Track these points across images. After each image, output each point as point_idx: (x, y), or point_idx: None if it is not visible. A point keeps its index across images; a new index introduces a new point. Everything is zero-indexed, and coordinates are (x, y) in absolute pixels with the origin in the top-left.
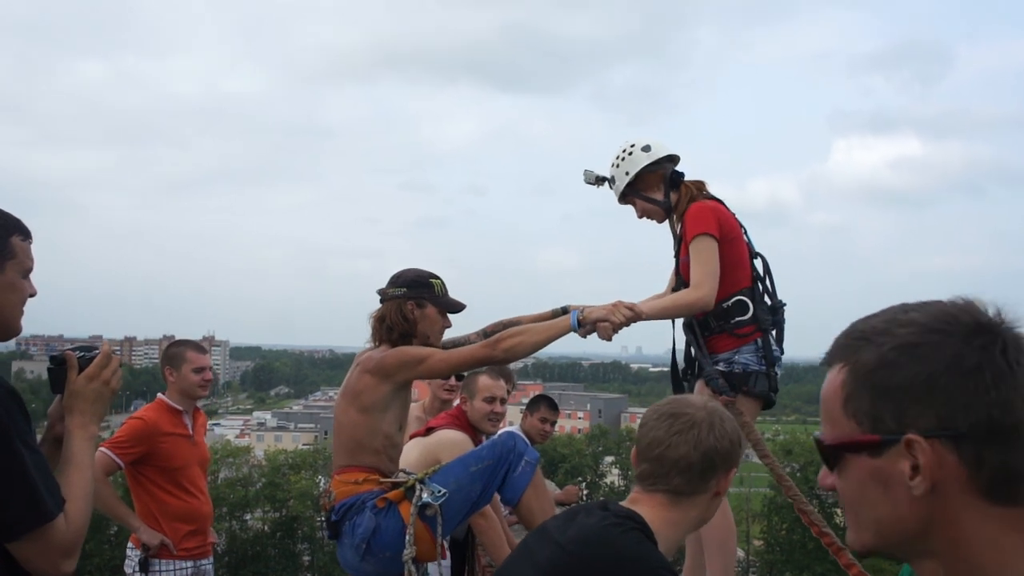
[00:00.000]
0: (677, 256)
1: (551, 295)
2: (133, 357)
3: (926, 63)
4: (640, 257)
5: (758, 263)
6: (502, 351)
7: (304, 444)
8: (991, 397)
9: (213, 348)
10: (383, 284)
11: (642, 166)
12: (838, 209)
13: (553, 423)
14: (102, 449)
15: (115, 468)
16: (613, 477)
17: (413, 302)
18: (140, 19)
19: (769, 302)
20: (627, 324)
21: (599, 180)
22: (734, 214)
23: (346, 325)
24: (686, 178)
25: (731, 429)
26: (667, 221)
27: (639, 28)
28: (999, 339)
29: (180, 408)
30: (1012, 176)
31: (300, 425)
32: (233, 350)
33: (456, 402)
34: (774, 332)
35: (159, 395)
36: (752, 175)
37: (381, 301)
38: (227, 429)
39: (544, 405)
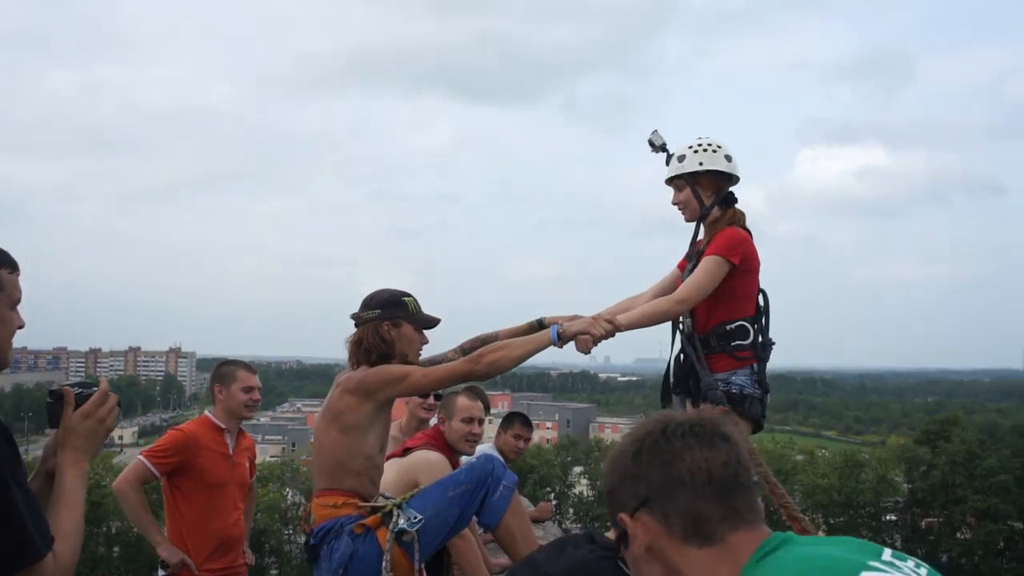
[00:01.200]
0: (693, 261)
1: (524, 303)
2: (98, 369)
3: (891, 74)
4: (611, 265)
5: (761, 299)
6: (485, 365)
7: (271, 456)
8: (651, 469)
9: (180, 359)
10: (354, 293)
11: (716, 168)
12: (805, 218)
13: (527, 440)
14: (140, 457)
15: (151, 477)
16: (582, 487)
17: (389, 322)
18: (113, 29)
19: (762, 338)
20: (607, 337)
21: (662, 148)
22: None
23: (314, 335)
24: (734, 204)
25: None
26: (694, 225)
27: (609, 38)
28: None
29: (223, 426)
30: (975, 186)
31: (268, 437)
32: (200, 361)
33: (433, 422)
34: (761, 365)
35: (205, 411)
36: None
37: (356, 325)
38: None
39: (518, 422)
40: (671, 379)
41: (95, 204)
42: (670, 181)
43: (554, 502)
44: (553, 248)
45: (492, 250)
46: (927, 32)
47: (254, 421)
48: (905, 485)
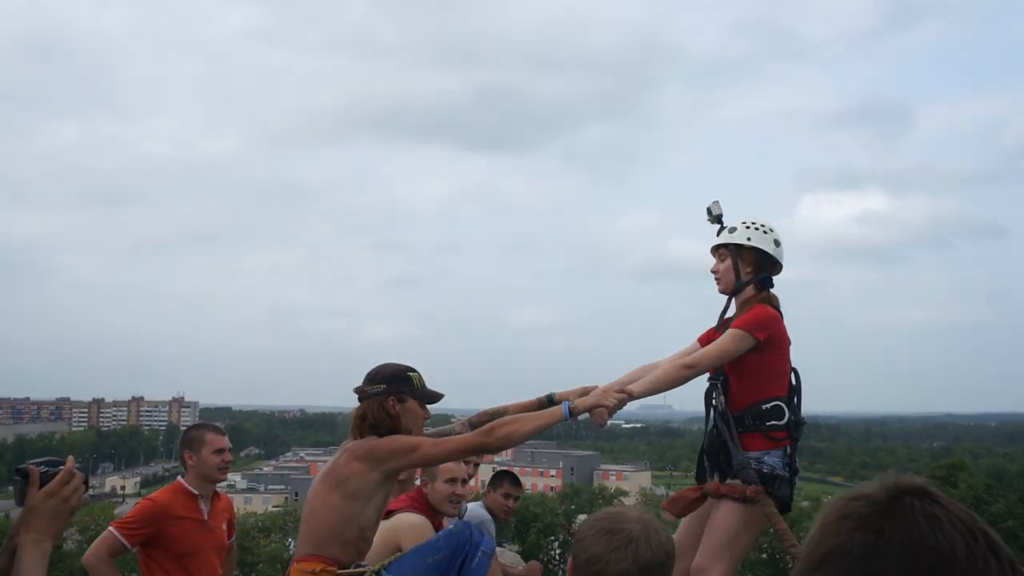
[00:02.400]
0: (720, 329)
1: (525, 351)
2: (101, 419)
3: (889, 121)
4: (612, 312)
5: (792, 377)
6: (496, 439)
7: (274, 506)
8: None
9: (183, 409)
10: (356, 343)
11: (761, 248)
12: (806, 264)
13: (516, 499)
14: (110, 529)
15: (121, 549)
16: None
17: (394, 398)
18: (116, 82)
19: (795, 417)
20: (620, 406)
21: (718, 219)
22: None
23: (317, 385)
24: (770, 288)
25: (665, 540)
26: (726, 297)
27: (608, 88)
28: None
29: (197, 492)
30: (975, 229)
31: (270, 487)
32: (203, 411)
33: (417, 483)
34: (795, 445)
35: (178, 478)
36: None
37: (360, 400)
38: None
39: (507, 481)
40: (705, 458)
41: (96, 255)
42: (715, 249)
43: (558, 550)
44: (554, 296)
45: (493, 299)
46: (921, 81)
47: (256, 471)
48: None
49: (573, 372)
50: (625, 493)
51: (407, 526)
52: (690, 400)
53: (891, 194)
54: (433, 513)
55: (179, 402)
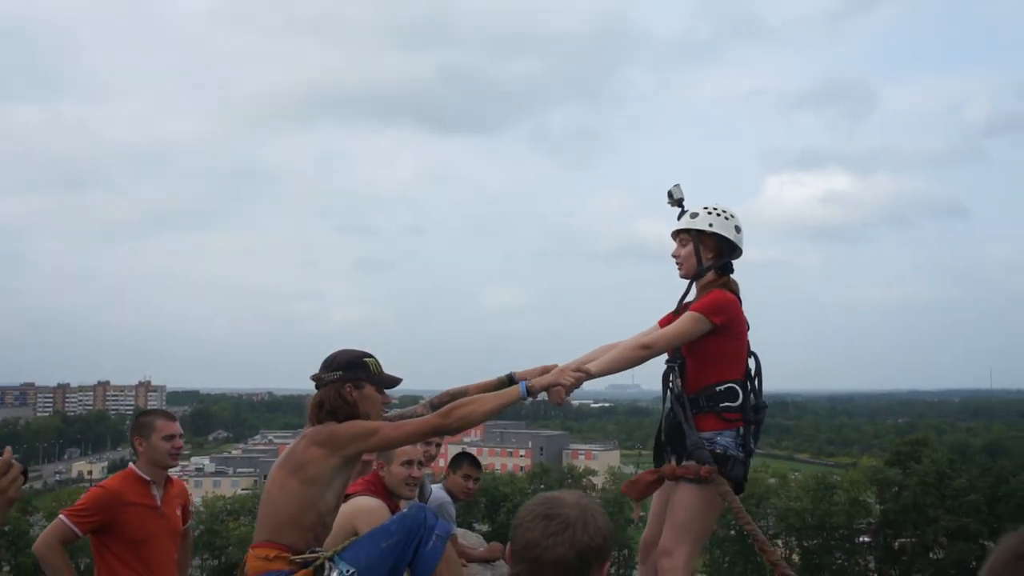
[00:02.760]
0: (679, 313)
1: (495, 333)
2: (67, 404)
3: (851, 101)
4: (582, 293)
5: (751, 362)
6: (455, 420)
7: (243, 489)
8: None
9: (149, 393)
10: (324, 326)
11: (722, 234)
12: (772, 244)
13: (476, 480)
14: (60, 517)
15: (72, 537)
16: None
17: (351, 384)
18: (77, 65)
19: (754, 400)
20: (578, 385)
21: (679, 203)
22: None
23: (285, 367)
24: (730, 274)
25: (603, 524)
26: (687, 281)
27: (574, 70)
28: None
29: (148, 478)
30: (938, 208)
31: (239, 470)
32: (170, 395)
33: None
34: (753, 428)
35: (130, 464)
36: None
37: (317, 387)
38: None
39: (467, 463)
40: (662, 437)
41: (60, 240)
42: (676, 234)
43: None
44: (523, 278)
45: (462, 281)
46: (883, 62)
47: (225, 454)
48: (877, 506)
49: (543, 353)
50: (594, 472)
51: (363, 510)
52: (659, 379)
53: (855, 174)
54: (389, 496)
55: (146, 386)
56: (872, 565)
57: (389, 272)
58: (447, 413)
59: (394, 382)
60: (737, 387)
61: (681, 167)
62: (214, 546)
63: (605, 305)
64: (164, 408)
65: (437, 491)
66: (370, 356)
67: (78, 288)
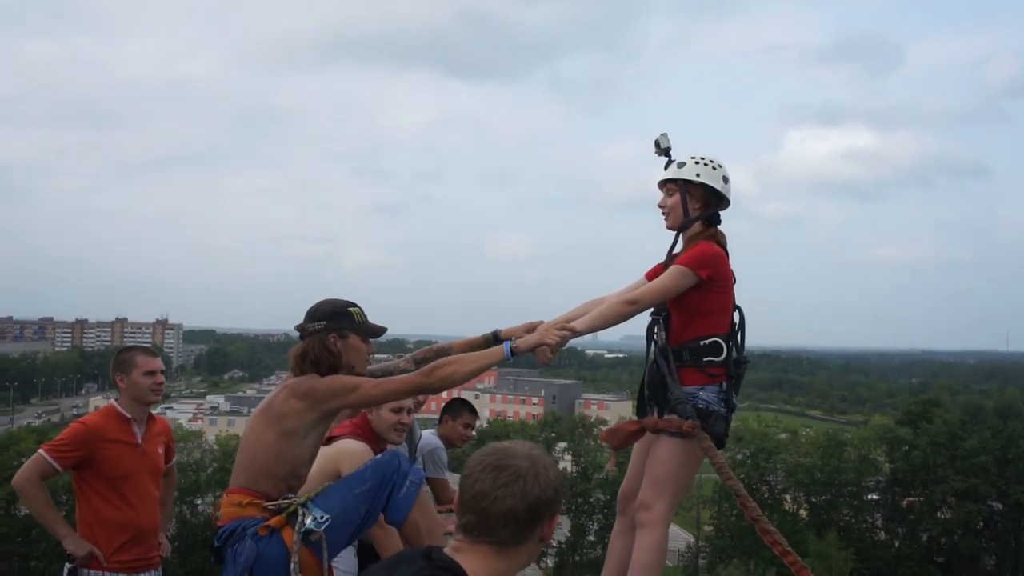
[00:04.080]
0: (666, 265)
1: (506, 281)
2: (84, 339)
3: (875, 57)
4: (593, 242)
5: (736, 316)
6: (437, 379)
7: None
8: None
9: (166, 331)
10: (338, 268)
11: (710, 184)
12: (792, 199)
13: (473, 427)
14: (40, 451)
15: (52, 472)
16: (566, 463)
17: (335, 334)
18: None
19: (736, 354)
20: (563, 344)
21: (666, 152)
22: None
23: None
24: (717, 225)
25: (554, 476)
26: (674, 233)
27: (593, 18)
28: None
29: (130, 415)
30: (959, 168)
31: (253, 409)
32: (187, 333)
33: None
34: (735, 382)
35: (111, 401)
36: None
37: (301, 337)
38: (180, 413)
39: (466, 411)
40: (646, 390)
41: (79, 176)
42: (663, 184)
43: None
44: (535, 226)
45: (474, 227)
46: (906, 17)
47: (240, 393)
48: (887, 465)
49: (551, 302)
50: (606, 422)
51: (348, 453)
52: None
53: (876, 131)
54: (376, 441)
55: (163, 324)
56: (879, 523)
57: (402, 217)
58: (429, 372)
59: (379, 331)
60: (721, 341)
61: (697, 118)
62: (226, 484)
63: (617, 256)
64: (146, 344)
65: (428, 436)
66: (355, 305)
67: (97, 225)
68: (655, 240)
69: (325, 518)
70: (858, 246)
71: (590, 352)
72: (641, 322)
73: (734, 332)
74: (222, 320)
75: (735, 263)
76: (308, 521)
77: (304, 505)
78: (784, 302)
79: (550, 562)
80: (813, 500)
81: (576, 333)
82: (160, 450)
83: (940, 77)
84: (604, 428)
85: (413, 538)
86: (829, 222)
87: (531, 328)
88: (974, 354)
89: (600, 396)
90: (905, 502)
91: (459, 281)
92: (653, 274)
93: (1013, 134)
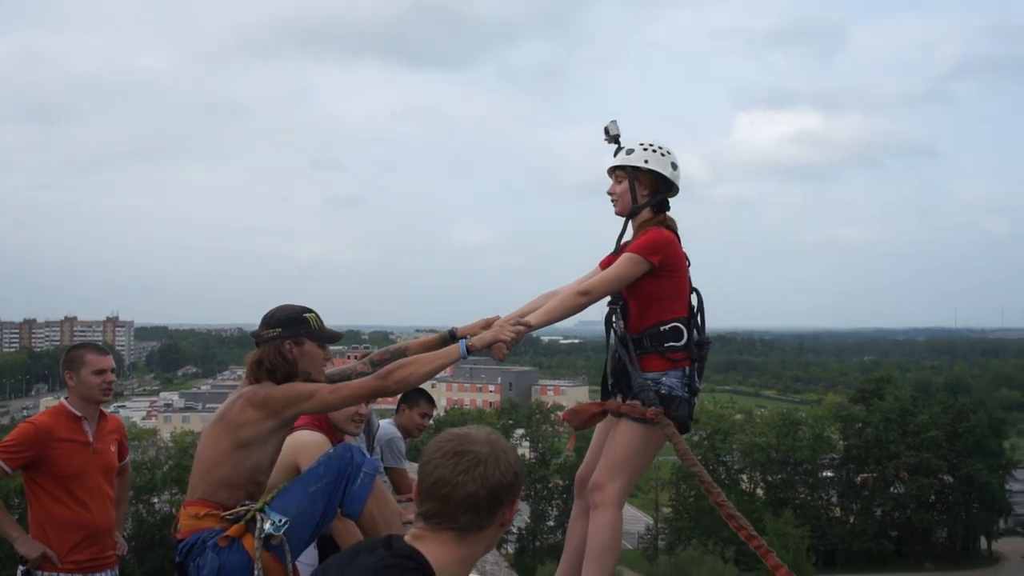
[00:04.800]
0: (617, 254)
1: (464, 271)
2: (33, 339)
3: (824, 40)
4: (552, 230)
5: (694, 298)
6: (393, 382)
7: None
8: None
9: (117, 329)
10: (294, 262)
11: (658, 171)
12: (743, 182)
13: (430, 416)
14: None
15: (1, 474)
16: (523, 450)
17: (291, 341)
18: None
19: (697, 336)
20: (518, 339)
21: (615, 139)
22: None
23: (254, 302)
24: (666, 211)
25: (514, 461)
26: (623, 220)
27: (545, 4)
28: None
29: (80, 413)
30: (908, 149)
31: (208, 405)
32: (138, 330)
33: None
34: (697, 365)
35: (61, 400)
36: None
37: (256, 344)
38: (133, 411)
39: (423, 400)
40: (609, 379)
41: (25, 173)
42: (612, 171)
43: None
44: (492, 215)
45: (432, 218)
46: (856, 1)
47: (194, 390)
48: (841, 442)
49: (511, 289)
50: (562, 407)
51: (306, 445)
52: None
53: (825, 114)
54: (334, 431)
55: (113, 322)
56: (834, 499)
57: (359, 209)
58: (386, 375)
59: (335, 337)
60: (681, 325)
61: (650, 103)
62: (183, 481)
63: (575, 239)
64: (96, 342)
65: (386, 425)
66: (310, 311)
67: (44, 222)
68: (613, 224)
69: (283, 520)
70: (809, 228)
71: (545, 339)
72: (597, 308)
73: (693, 315)
74: (174, 316)
75: (687, 247)
76: (267, 526)
77: (261, 510)
78: (737, 285)
79: (510, 548)
80: (769, 479)
81: (531, 327)
82: (113, 448)
83: (888, 59)
84: (565, 410)
85: (370, 529)
86: (780, 204)
87: (487, 324)
88: (924, 331)
89: (556, 382)
90: (859, 478)
91: (417, 272)
92: (606, 263)
93: (960, 115)
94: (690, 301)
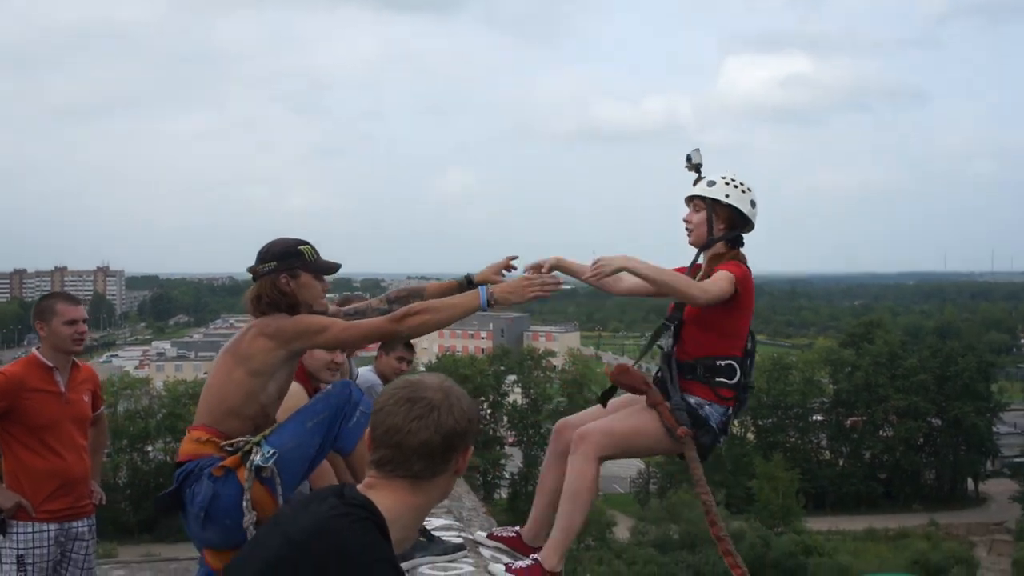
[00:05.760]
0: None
1: (451, 219)
2: (24, 290)
3: None
4: (540, 176)
5: (749, 342)
6: (408, 328)
7: (205, 373)
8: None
9: (108, 278)
10: (280, 210)
11: (737, 207)
12: (732, 126)
13: (409, 361)
14: None
15: None
16: (515, 396)
17: (286, 274)
18: None
19: (744, 380)
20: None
21: (697, 168)
22: None
23: (245, 251)
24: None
25: (468, 407)
26: (696, 249)
27: None
28: None
29: (51, 364)
30: (898, 93)
31: (200, 354)
32: (129, 279)
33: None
34: (737, 407)
35: (33, 349)
36: (646, 94)
37: (253, 279)
38: (126, 360)
39: (401, 345)
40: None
41: (10, 124)
42: (690, 199)
43: (488, 410)
44: (480, 161)
45: (418, 165)
46: None
47: (186, 338)
48: (831, 386)
49: (498, 235)
50: (554, 353)
51: None
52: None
53: (814, 57)
54: (309, 379)
55: (104, 271)
56: (824, 443)
57: (344, 157)
58: (401, 319)
59: (331, 268)
60: (736, 365)
61: (637, 48)
62: (176, 430)
63: (564, 186)
64: (68, 291)
65: (366, 373)
66: (305, 243)
67: (33, 173)
68: (599, 171)
69: (272, 452)
70: (799, 172)
71: None
72: (586, 257)
73: (746, 357)
74: (165, 265)
75: (673, 191)
76: (257, 459)
77: (258, 444)
78: None
79: (504, 493)
80: (760, 423)
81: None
82: (86, 398)
83: (878, 3)
84: (619, 364)
85: (359, 467)
86: (771, 148)
87: (502, 268)
88: (914, 275)
89: (548, 328)
90: (848, 422)
91: (405, 219)
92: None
93: (949, 59)
94: (747, 343)
